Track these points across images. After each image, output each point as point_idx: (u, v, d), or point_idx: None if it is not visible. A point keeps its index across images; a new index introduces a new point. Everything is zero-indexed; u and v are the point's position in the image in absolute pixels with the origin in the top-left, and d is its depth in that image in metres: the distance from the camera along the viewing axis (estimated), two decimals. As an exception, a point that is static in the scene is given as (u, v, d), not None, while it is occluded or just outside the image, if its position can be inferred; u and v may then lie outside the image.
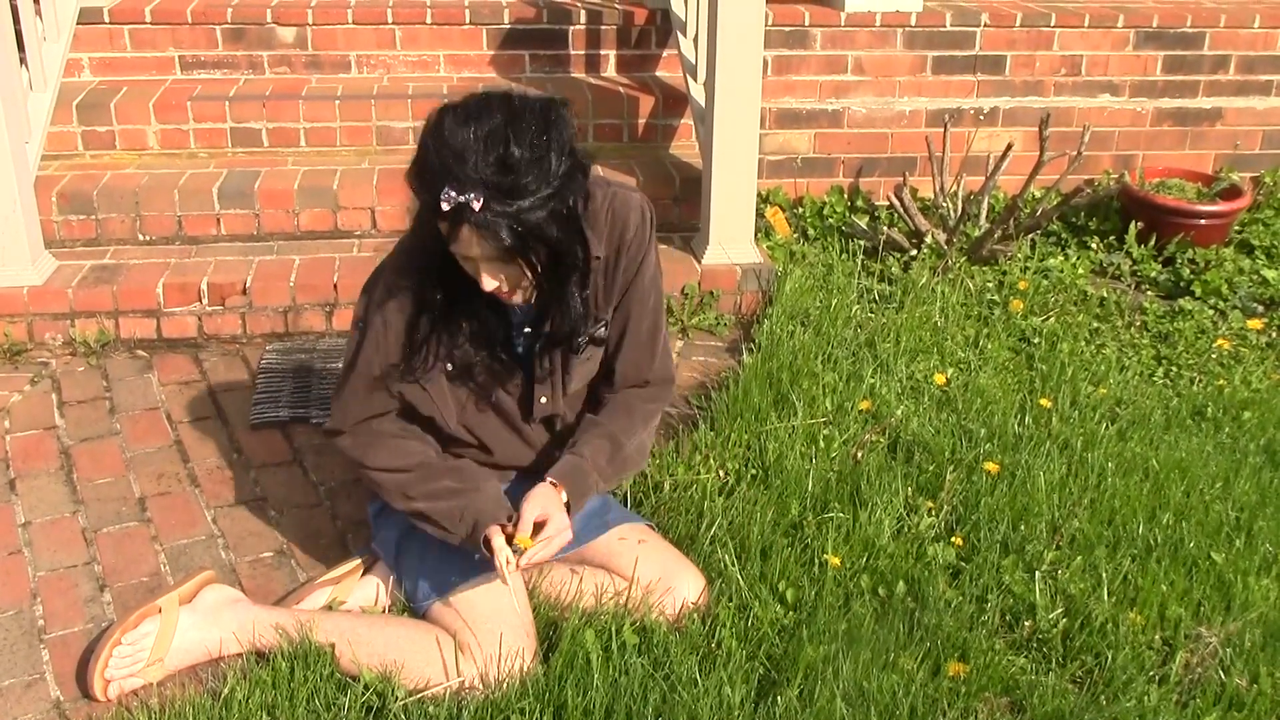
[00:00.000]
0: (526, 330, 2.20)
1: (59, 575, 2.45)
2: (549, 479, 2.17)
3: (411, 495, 2.18)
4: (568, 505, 2.16)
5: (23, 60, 3.46)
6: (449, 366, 2.18)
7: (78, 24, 4.00)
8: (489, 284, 1.99)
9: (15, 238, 3.27)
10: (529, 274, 1.98)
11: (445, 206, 1.84)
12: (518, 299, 2.05)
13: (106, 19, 4.06)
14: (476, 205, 1.83)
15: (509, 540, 2.06)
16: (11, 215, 3.24)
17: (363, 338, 2.17)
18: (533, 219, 1.87)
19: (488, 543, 2.06)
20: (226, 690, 2.07)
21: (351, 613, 2.29)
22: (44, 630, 2.30)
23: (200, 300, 3.36)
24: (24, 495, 2.71)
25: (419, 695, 2.05)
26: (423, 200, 1.92)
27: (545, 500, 2.12)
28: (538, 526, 2.09)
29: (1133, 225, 4.02)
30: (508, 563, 2.03)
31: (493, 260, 1.94)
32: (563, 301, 2.06)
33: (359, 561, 2.41)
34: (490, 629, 2.11)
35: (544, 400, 2.27)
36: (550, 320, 2.12)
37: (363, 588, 2.36)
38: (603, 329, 2.24)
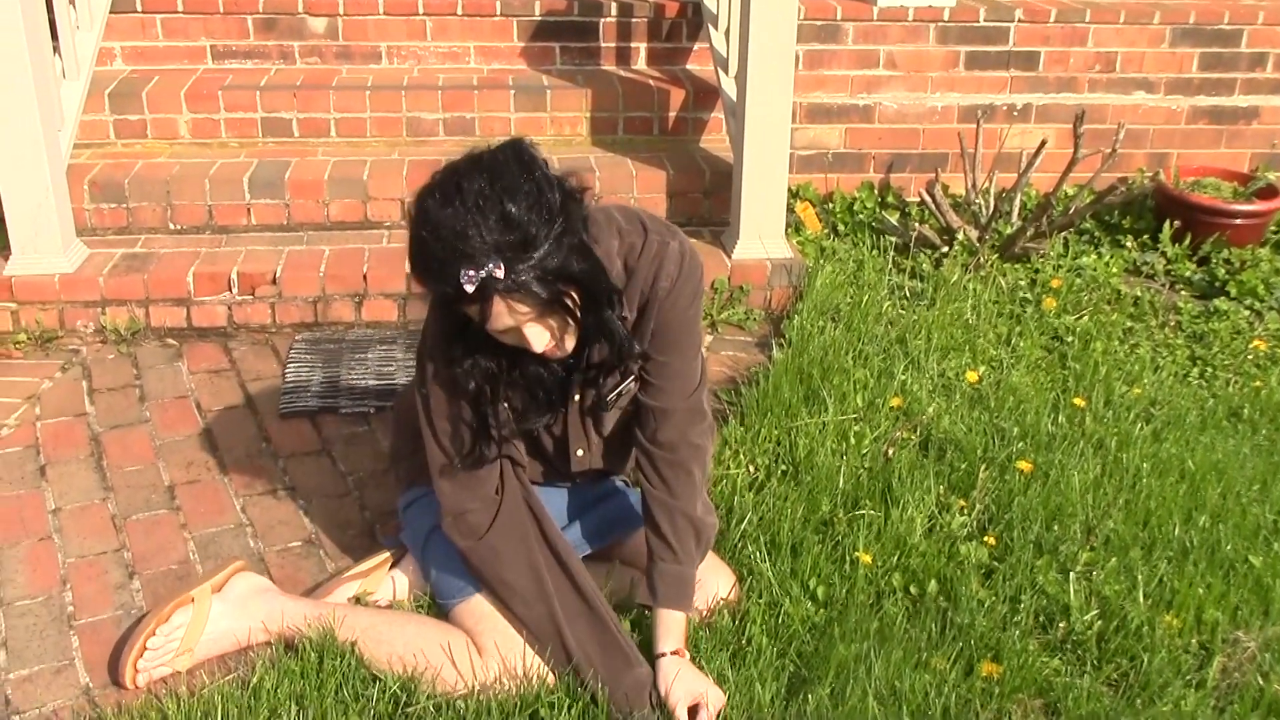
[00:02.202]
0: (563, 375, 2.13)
1: (89, 562, 2.46)
2: (666, 630, 2.10)
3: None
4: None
5: (55, 48, 3.47)
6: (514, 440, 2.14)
7: (110, 13, 4.00)
8: (539, 343, 1.88)
9: (47, 225, 3.28)
10: (570, 318, 1.89)
11: (469, 288, 1.75)
12: (568, 345, 1.96)
13: (139, 8, 4.06)
14: (500, 273, 1.74)
15: None
16: (44, 203, 3.25)
17: (430, 414, 2.10)
18: (555, 262, 1.78)
19: None
20: (255, 679, 2.07)
21: (377, 608, 2.28)
22: (73, 617, 2.30)
23: (230, 289, 3.36)
24: (54, 482, 2.71)
25: (439, 697, 2.03)
26: (438, 293, 1.84)
27: (682, 679, 2.04)
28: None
29: (1167, 224, 3.98)
30: None
31: (534, 319, 1.85)
32: (605, 328, 1.97)
33: (388, 555, 2.40)
34: (511, 636, 2.10)
35: (580, 454, 2.25)
36: (596, 351, 2.04)
37: (390, 582, 2.35)
38: (632, 383, 2.15)
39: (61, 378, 3.15)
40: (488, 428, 2.06)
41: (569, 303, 1.86)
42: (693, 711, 2.01)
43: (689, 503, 2.15)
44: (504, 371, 2.03)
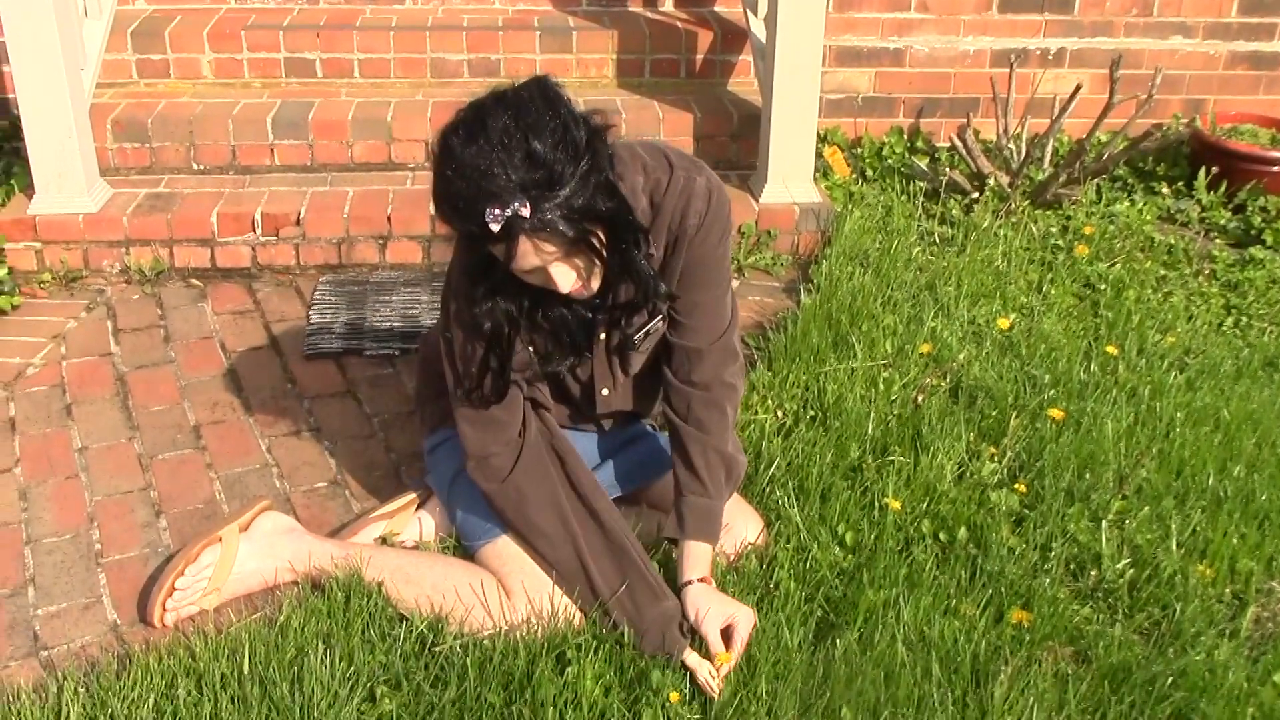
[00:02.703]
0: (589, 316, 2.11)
1: (115, 500, 2.46)
2: (693, 559, 2.08)
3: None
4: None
5: (78, -15, 3.43)
6: (539, 384, 2.13)
7: (132, -50, 3.96)
8: (565, 283, 1.85)
9: (71, 165, 3.26)
10: (597, 257, 1.86)
11: (495, 226, 1.72)
12: (594, 285, 1.93)
13: (161, -55, 4.02)
14: (526, 211, 1.71)
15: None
16: (67, 142, 3.22)
17: (452, 356, 2.08)
18: (581, 201, 1.75)
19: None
20: (283, 618, 2.07)
21: (403, 549, 2.28)
22: (101, 554, 2.31)
23: (254, 230, 3.34)
24: (80, 421, 2.71)
25: (466, 637, 2.03)
26: (464, 231, 1.80)
27: (712, 603, 2.02)
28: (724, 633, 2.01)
29: (1203, 171, 3.91)
30: (711, 676, 1.95)
31: (560, 259, 1.82)
32: (631, 267, 1.94)
33: (414, 496, 2.40)
34: (538, 578, 2.08)
35: (605, 392, 2.23)
36: (623, 290, 2.01)
37: (416, 523, 2.34)
38: (659, 321, 2.13)
39: (86, 317, 3.14)
40: (508, 369, 2.04)
41: (595, 242, 1.83)
42: (725, 635, 1.99)
43: (721, 439, 2.13)
44: (526, 314, 2.01)
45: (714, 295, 2.10)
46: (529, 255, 1.79)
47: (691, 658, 1.98)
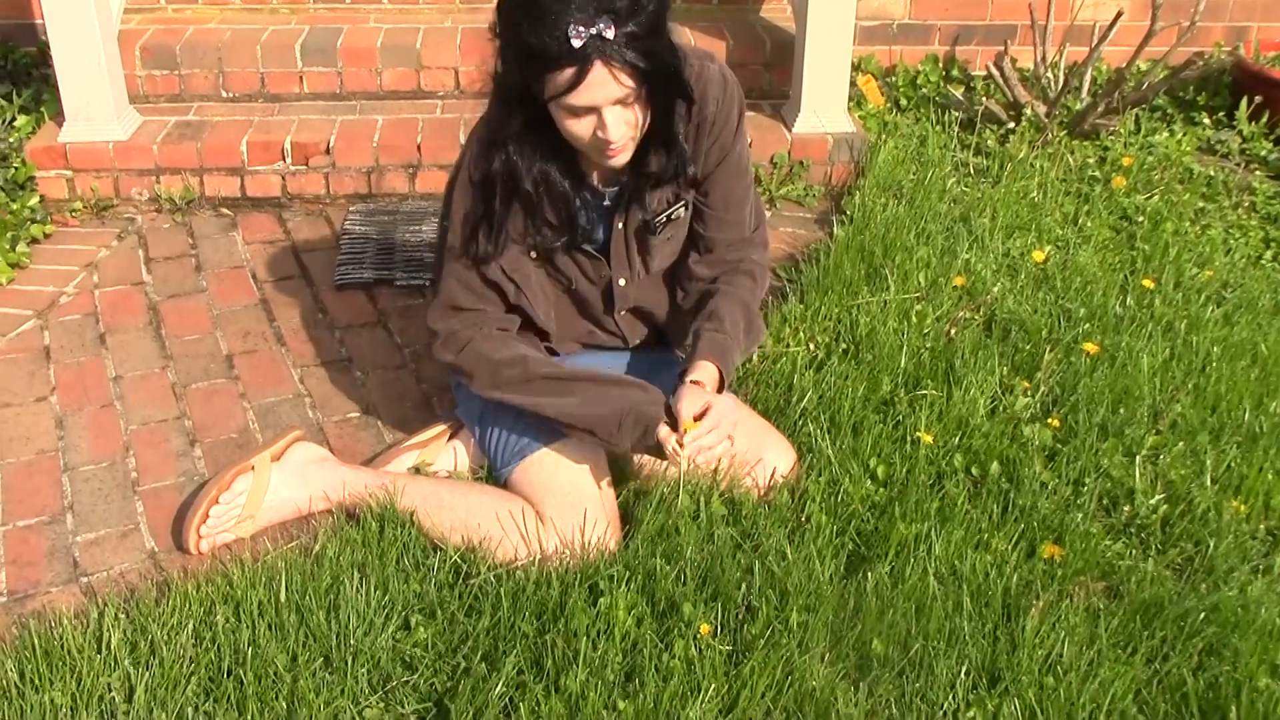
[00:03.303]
0: (606, 204, 2.11)
1: (150, 429, 2.48)
2: (695, 369, 2.06)
3: (542, 393, 2.08)
4: (721, 383, 2.09)
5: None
6: (532, 254, 2.11)
7: (158, -128, 3.91)
8: (618, 130, 1.83)
9: (100, 92, 3.24)
10: (646, 114, 1.86)
11: (577, 43, 1.70)
12: (629, 151, 1.92)
13: None
14: (609, 33, 1.70)
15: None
16: (96, 69, 3.21)
17: (450, 214, 2.09)
18: (655, 43, 1.77)
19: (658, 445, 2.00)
20: (318, 547, 2.09)
21: (437, 477, 2.29)
22: (137, 483, 2.33)
23: (284, 159, 3.33)
24: (114, 350, 2.73)
25: (501, 568, 2.04)
26: (535, 45, 1.75)
27: (693, 394, 2.01)
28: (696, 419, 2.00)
29: (1244, 101, 3.84)
30: (678, 444, 1.95)
31: (619, 101, 1.81)
32: (669, 132, 1.94)
33: (445, 426, 2.40)
34: (571, 502, 2.09)
35: (623, 283, 2.21)
36: (653, 160, 1.99)
37: (449, 453, 2.35)
38: (682, 209, 2.13)
39: (118, 246, 3.15)
40: (505, 227, 2.03)
41: (654, 92, 1.83)
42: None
43: (747, 295, 2.17)
44: (533, 177, 1.98)
45: (744, 185, 2.15)
46: (597, 85, 1.77)
47: (662, 430, 1.98)
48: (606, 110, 1.81)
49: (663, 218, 2.12)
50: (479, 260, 2.07)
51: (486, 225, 2.04)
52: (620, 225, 2.13)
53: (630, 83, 1.78)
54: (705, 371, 2.07)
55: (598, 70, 1.74)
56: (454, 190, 2.10)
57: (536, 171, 1.98)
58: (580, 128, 1.85)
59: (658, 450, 2.01)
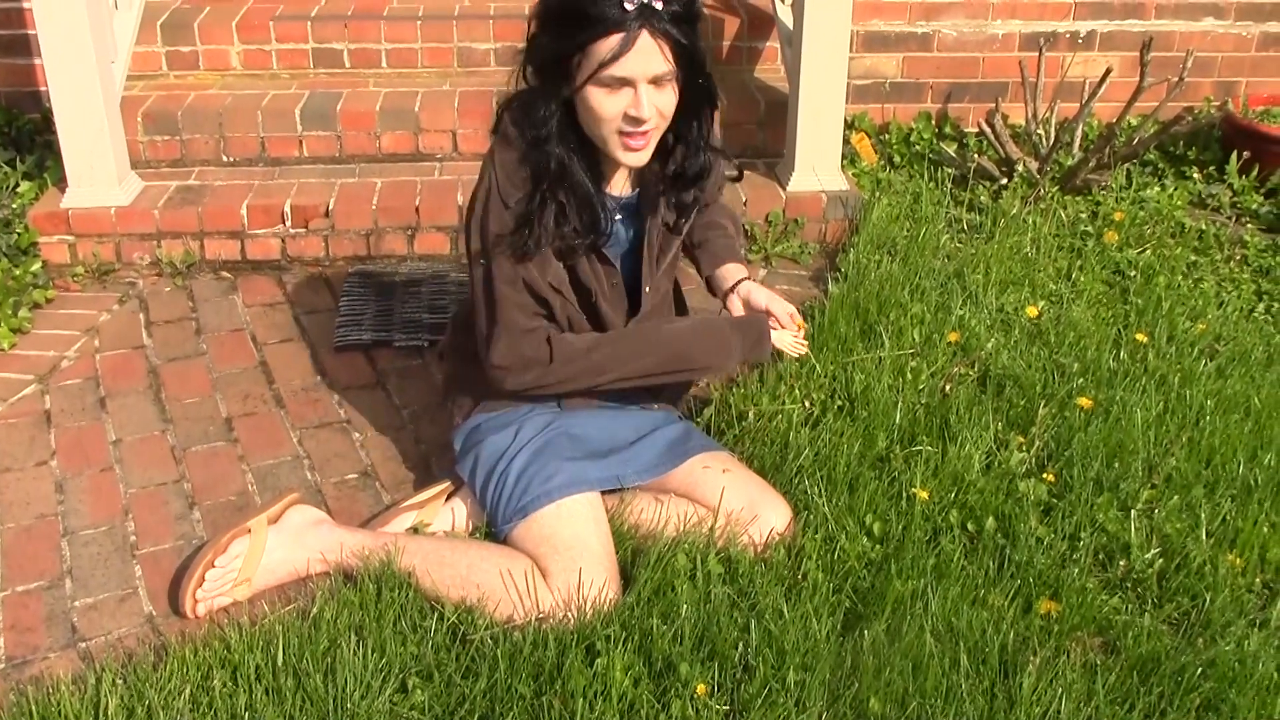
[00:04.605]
0: (619, 218, 2.18)
1: (149, 492, 2.49)
2: (733, 273, 2.37)
3: (643, 354, 2.22)
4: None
5: (108, -21, 3.46)
6: (558, 243, 2.11)
7: (161, -57, 3.98)
8: (651, 108, 1.92)
9: (103, 158, 3.29)
10: (674, 104, 1.96)
11: (630, 6, 1.81)
12: (650, 148, 2.00)
13: (189, -62, 4.04)
14: (660, 4, 1.82)
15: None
16: (99, 135, 3.25)
17: (486, 240, 2.10)
18: (693, 29, 1.89)
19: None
20: (315, 610, 2.09)
21: (436, 536, 2.29)
22: (136, 546, 2.34)
23: (284, 222, 3.36)
24: (114, 413, 2.74)
25: (500, 628, 2.04)
26: (585, 13, 1.85)
27: (766, 292, 2.34)
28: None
29: (1234, 155, 3.88)
30: (798, 341, 2.33)
31: (655, 81, 1.90)
32: (694, 130, 2.06)
33: (445, 485, 2.41)
34: (570, 558, 2.10)
35: (648, 289, 2.25)
36: (680, 153, 2.11)
37: (447, 513, 2.36)
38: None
39: (119, 310, 3.17)
40: (544, 218, 2.05)
41: (687, 80, 1.94)
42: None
43: (729, 219, 2.47)
44: (558, 174, 2.03)
45: (721, 176, 2.36)
46: (641, 55, 1.86)
47: (773, 336, 2.29)
48: (642, 86, 1.89)
49: (688, 218, 2.24)
50: (526, 257, 2.08)
51: (529, 227, 2.06)
52: (649, 226, 2.19)
53: (670, 60, 1.88)
54: (740, 271, 2.38)
55: (644, 40, 1.84)
56: (486, 215, 2.08)
57: (568, 169, 2.04)
58: (613, 104, 1.92)
59: (765, 355, 2.31)
